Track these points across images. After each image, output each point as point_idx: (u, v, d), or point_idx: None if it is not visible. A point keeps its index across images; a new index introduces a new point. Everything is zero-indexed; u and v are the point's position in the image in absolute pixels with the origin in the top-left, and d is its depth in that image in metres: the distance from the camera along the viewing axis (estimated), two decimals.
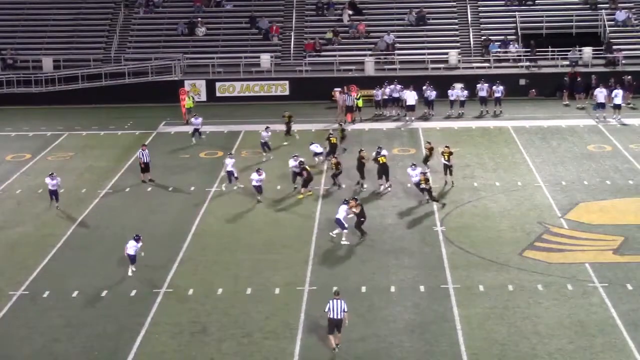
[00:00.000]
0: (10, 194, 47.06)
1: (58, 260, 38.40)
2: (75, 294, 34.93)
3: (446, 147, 47.18)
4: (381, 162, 46.34)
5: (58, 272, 37.20)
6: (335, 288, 31.78)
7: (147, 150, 48.19)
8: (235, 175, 46.45)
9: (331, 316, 30.02)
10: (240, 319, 32.38)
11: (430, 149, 48.98)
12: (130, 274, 36.46)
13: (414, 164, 45.75)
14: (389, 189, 46.07)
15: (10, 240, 40.87)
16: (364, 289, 34.84)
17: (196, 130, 55.67)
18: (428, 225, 41.45)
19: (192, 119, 56.53)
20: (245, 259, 38.23)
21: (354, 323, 31.91)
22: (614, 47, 67.77)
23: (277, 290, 34.89)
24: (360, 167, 47.00)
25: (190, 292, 34.90)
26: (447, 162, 46.31)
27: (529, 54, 67.81)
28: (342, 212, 39.66)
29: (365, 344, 30.69)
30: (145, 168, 48.07)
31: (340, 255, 38.25)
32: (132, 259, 36.64)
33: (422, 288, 34.82)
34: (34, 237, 41.09)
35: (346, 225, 39.42)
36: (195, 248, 39.42)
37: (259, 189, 44.36)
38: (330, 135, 51.24)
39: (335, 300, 30.18)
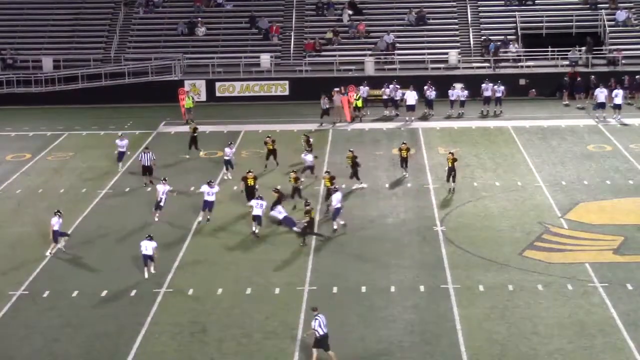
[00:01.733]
0: (10, 194, 47.06)
1: (58, 260, 38.37)
2: (75, 293, 34.93)
3: (450, 153, 46.77)
4: (350, 163, 46.47)
5: (58, 272, 37.20)
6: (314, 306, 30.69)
7: (150, 153, 47.65)
8: (233, 164, 46.94)
9: (321, 333, 29.34)
10: (240, 319, 32.38)
11: (407, 149, 48.24)
12: (147, 276, 36.28)
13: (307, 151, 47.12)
14: (364, 185, 46.19)
15: (10, 240, 40.87)
16: (363, 289, 34.83)
17: (122, 153, 50.63)
18: (428, 225, 41.44)
19: (117, 140, 51.05)
20: (245, 259, 38.23)
21: (354, 323, 31.96)
22: (614, 47, 67.81)
23: (277, 290, 34.89)
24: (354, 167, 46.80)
25: (191, 292, 34.90)
26: (451, 167, 45.64)
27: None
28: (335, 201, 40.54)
29: (365, 344, 30.68)
30: (146, 170, 47.63)
31: (340, 256, 38.23)
32: (149, 258, 36.44)
33: (422, 288, 34.81)
34: (34, 237, 41.04)
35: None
36: (195, 248, 39.41)
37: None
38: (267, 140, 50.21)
39: (321, 316, 29.44)
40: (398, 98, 61.57)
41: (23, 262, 38.00)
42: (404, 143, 48.98)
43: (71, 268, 37.58)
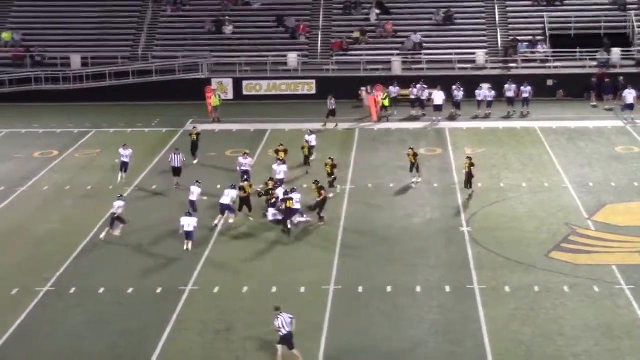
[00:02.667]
0: (38, 191, 47.27)
1: (85, 257, 38.54)
2: (101, 290, 35.06)
3: (468, 157, 46.20)
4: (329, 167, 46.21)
5: (84, 268, 37.34)
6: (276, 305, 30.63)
7: (180, 155, 47.36)
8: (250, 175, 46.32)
9: (285, 332, 29.32)
10: (265, 318, 32.26)
11: (414, 155, 47.19)
12: (185, 248, 38.38)
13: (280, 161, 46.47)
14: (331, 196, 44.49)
15: (37, 237, 41.05)
16: (389, 288, 34.79)
17: (125, 164, 48.64)
18: (454, 225, 41.35)
19: (121, 149, 48.82)
20: (271, 257, 38.28)
21: (379, 322, 31.93)
22: None
23: (302, 289, 34.89)
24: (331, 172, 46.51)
25: (216, 289, 34.96)
26: (469, 172, 45.01)
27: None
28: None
29: (390, 344, 30.64)
30: (176, 171, 47.29)
31: (365, 255, 38.19)
32: (189, 234, 38.39)
33: (447, 288, 34.74)
34: (61, 233, 41.25)
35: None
36: (221, 246, 39.48)
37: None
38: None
39: (284, 315, 29.47)
40: (425, 98, 61.45)
41: (50, 258, 38.17)
42: (410, 148, 48.17)
43: (98, 265, 37.71)
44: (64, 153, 54.33)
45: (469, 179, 44.98)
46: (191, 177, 46.19)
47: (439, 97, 60.05)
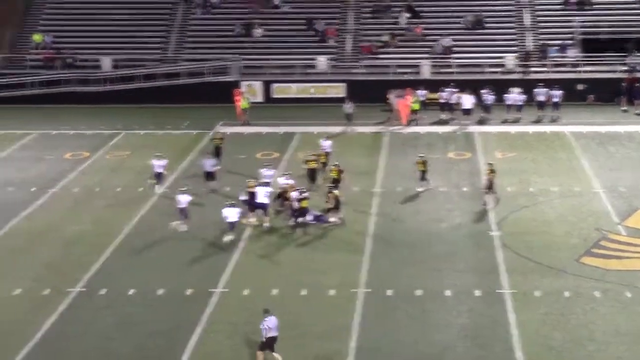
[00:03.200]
0: (68, 192, 47.50)
1: (115, 259, 38.69)
2: (131, 292, 35.19)
3: (489, 164, 45.72)
4: (310, 167, 46.14)
5: (114, 270, 37.47)
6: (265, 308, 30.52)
7: (211, 160, 47.23)
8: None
9: (272, 334, 29.34)
10: (294, 320, 32.38)
11: (423, 163, 46.25)
12: (226, 239, 39.60)
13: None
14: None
15: (68, 238, 41.25)
16: (418, 292, 34.74)
17: (159, 174, 47.65)
18: (483, 229, 41.25)
19: (154, 160, 47.80)
20: (300, 260, 38.30)
21: (407, 326, 31.89)
22: None
23: (331, 292, 34.88)
24: (311, 173, 46.53)
25: (246, 292, 35.00)
26: (489, 179, 44.53)
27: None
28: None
29: (418, 348, 30.58)
30: (208, 176, 47.04)
31: (394, 258, 38.14)
32: (232, 224, 39.85)
33: (477, 292, 34.65)
34: (91, 234, 41.43)
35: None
36: (251, 248, 39.53)
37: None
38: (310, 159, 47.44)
39: (271, 318, 29.44)
40: (454, 102, 61.33)
41: (80, 259, 38.34)
42: (419, 156, 47.67)
43: (128, 266, 37.85)
44: (94, 155, 54.60)
45: (489, 186, 44.40)
46: (221, 180, 46.40)
47: (468, 100, 59.93)
